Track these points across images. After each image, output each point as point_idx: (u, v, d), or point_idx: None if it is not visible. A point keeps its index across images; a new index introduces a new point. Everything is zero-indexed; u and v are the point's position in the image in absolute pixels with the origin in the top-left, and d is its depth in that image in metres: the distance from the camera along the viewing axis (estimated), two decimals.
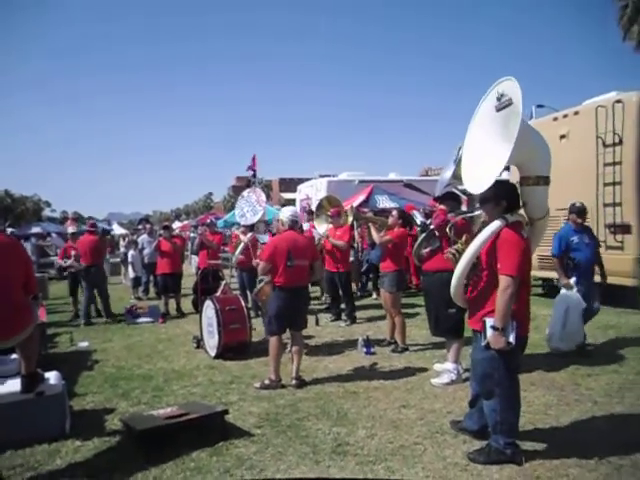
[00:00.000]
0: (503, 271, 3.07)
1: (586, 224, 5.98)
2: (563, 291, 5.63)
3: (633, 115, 7.42)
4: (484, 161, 3.32)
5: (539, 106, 14.15)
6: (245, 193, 8.67)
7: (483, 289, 3.28)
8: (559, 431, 3.66)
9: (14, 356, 4.38)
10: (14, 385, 3.69)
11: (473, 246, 3.29)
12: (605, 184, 7.74)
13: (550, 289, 9.66)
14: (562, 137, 8.36)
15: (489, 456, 3.21)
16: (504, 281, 3.05)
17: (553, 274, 8.91)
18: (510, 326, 3.06)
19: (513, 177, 8.50)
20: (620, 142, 7.53)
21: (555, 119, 8.81)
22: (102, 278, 9.31)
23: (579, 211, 5.74)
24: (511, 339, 3.05)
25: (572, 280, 5.57)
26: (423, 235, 5.17)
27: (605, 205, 7.73)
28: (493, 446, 3.23)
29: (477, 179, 3.38)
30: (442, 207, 4.95)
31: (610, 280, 7.77)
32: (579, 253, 5.66)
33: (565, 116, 8.58)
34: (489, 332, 3.11)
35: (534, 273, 9.11)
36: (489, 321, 3.12)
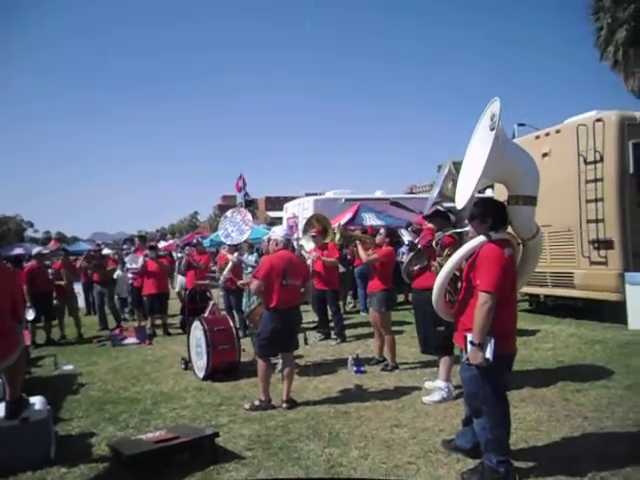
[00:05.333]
0: (481, 287, 3.10)
1: None
2: None
3: (613, 133, 7.61)
4: (469, 178, 3.41)
5: (520, 124, 14.43)
6: (229, 213, 8.67)
7: (464, 305, 3.32)
8: (551, 447, 3.66)
9: None
10: None
11: (453, 258, 3.38)
12: (587, 201, 7.88)
13: (537, 305, 9.75)
14: (544, 155, 8.51)
15: (483, 475, 3.19)
16: (481, 297, 3.08)
17: (539, 289, 9.04)
18: (488, 342, 3.06)
19: (497, 195, 8.64)
20: (601, 159, 7.70)
21: (537, 137, 9.01)
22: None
23: None
24: (488, 355, 3.05)
25: None
26: (412, 253, 5.22)
27: (588, 221, 7.87)
28: (486, 465, 3.21)
29: (460, 195, 3.48)
30: (430, 226, 4.96)
31: (595, 295, 7.93)
32: None
33: (547, 134, 8.78)
34: (469, 347, 3.13)
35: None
36: (469, 336, 3.14)
